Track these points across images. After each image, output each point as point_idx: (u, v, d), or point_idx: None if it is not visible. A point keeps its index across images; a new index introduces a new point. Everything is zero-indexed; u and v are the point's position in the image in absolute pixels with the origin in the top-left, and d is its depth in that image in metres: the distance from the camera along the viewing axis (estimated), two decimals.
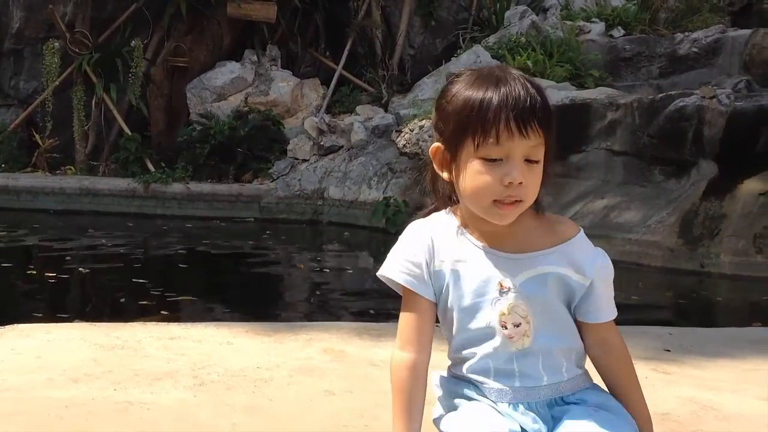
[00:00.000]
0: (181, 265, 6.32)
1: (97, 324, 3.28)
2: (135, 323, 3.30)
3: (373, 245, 7.82)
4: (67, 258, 6.35)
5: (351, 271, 6.43)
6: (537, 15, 10.33)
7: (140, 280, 5.49)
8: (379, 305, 5.19)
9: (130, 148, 8.96)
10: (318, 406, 2.46)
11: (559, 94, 7.95)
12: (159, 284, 5.38)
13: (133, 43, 9.22)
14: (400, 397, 1.50)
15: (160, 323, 3.35)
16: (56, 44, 9.11)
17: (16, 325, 3.27)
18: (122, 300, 5.03)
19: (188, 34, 9.91)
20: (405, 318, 1.54)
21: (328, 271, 6.34)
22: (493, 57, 9.20)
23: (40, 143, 9.05)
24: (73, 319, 4.13)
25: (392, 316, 4.77)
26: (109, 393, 2.51)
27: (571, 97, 7.80)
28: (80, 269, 5.90)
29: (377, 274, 1.54)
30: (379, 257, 7.22)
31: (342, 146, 9.19)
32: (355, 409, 2.43)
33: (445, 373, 1.61)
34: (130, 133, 9.10)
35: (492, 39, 9.83)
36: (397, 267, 1.53)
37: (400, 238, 1.58)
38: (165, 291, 5.08)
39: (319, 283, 5.90)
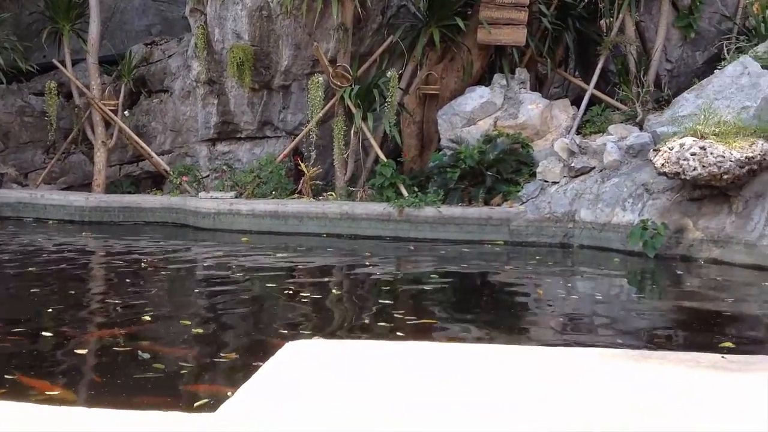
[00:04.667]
0: (425, 288, 6.45)
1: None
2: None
3: (628, 270, 7.47)
4: (325, 279, 6.73)
5: (600, 297, 6.17)
6: None
7: (386, 302, 5.67)
8: (625, 334, 4.92)
9: (385, 173, 9.35)
10: None
11: None
12: (402, 306, 5.50)
13: (389, 73, 9.66)
14: None
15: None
16: (320, 79, 9.79)
17: (293, 342, 3.48)
18: (366, 321, 5.16)
19: (440, 62, 10.21)
20: None
21: (575, 297, 6.13)
22: (763, 67, 8.47)
23: (305, 171, 9.74)
24: (313, 336, 4.35)
25: (656, 347, 4.51)
26: None
27: None
28: (333, 290, 6.21)
29: None
30: (634, 282, 6.89)
31: (594, 167, 8.92)
32: None
33: None
34: (385, 160, 9.51)
35: (761, 48, 9.06)
36: None
37: None
38: (406, 314, 5.19)
39: (567, 309, 5.73)
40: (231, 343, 4.45)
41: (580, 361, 3.10)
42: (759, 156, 7.32)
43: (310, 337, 4.25)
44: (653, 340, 4.86)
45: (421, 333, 4.51)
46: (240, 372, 3.63)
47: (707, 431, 2.38)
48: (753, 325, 5.43)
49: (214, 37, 10.42)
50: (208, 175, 10.61)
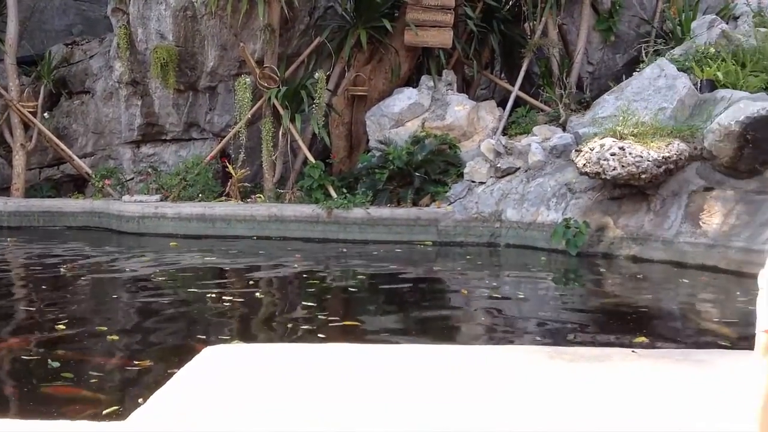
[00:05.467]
0: (351, 289, 6.44)
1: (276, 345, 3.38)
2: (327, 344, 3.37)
3: (551, 268, 7.62)
4: (250, 282, 6.65)
5: (522, 296, 6.27)
6: (727, 23, 9.72)
7: (311, 304, 5.63)
8: (545, 331, 5.00)
9: (313, 175, 9.32)
10: None
11: (754, 105, 7.42)
12: (327, 308, 5.46)
13: (316, 75, 9.63)
14: None
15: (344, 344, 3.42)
16: (247, 80, 9.69)
17: (210, 347, 3.43)
18: (288, 324, 5.10)
19: (368, 63, 10.23)
20: None
21: (498, 296, 6.21)
22: (679, 69, 8.75)
23: (233, 173, 9.63)
24: (233, 341, 4.28)
25: (567, 343, 4.59)
26: None
27: (767, 108, 7.25)
28: (257, 294, 6.13)
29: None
30: (557, 280, 7.02)
31: (519, 168, 9.08)
32: None
33: None
34: (313, 161, 9.48)
35: (677, 51, 9.36)
36: None
37: None
38: (330, 315, 5.15)
39: (490, 307, 5.80)
40: (147, 349, 4.36)
41: (490, 358, 3.14)
42: (675, 156, 7.55)
43: (230, 341, 4.20)
44: (573, 337, 4.96)
45: (344, 335, 4.49)
46: (154, 379, 3.56)
47: (614, 428, 2.45)
48: (668, 319, 5.60)
49: (137, 37, 10.21)
50: (132, 178, 10.40)
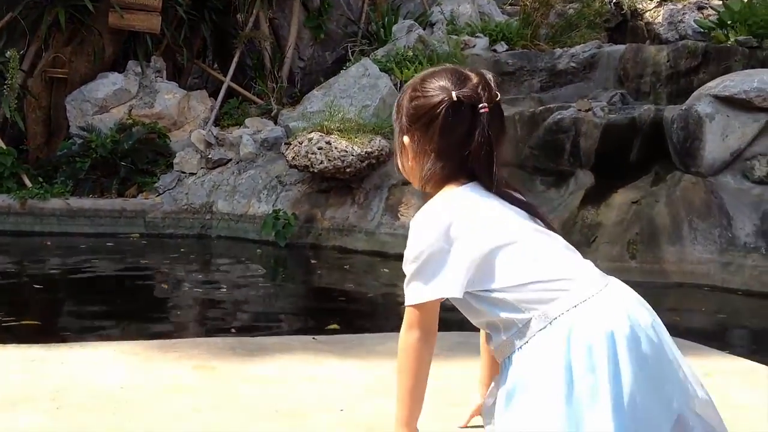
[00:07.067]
0: (39, 286, 5.94)
1: None
2: None
3: (260, 259, 7.71)
4: None
5: (226, 288, 6.26)
6: (424, 29, 10.49)
7: None
8: (245, 321, 5.06)
9: (5, 162, 8.53)
10: (183, 424, 2.39)
11: None
12: (3, 308, 5.01)
13: (8, 53, 8.80)
14: None
15: (20, 345, 3.17)
16: None
17: None
18: None
19: (68, 44, 9.55)
20: None
21: (202, 289, 6.14)
22: (381, 70, 9.28)
23: None
24: None
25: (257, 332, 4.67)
26: None
27: None
28: None
29: None
30: (263, 272, 7.09)
31: (231, 159, 9.06)
32: (221, 424, 2.39)
33: None
34: (5, 148, 8.68)
35: (380, 52, 9.91)
36: None
37: None
38: (6, 315, 4.73)
39: (192, 301, 5.73)
40: None
41: (171, 352, 3.12)
42: (377, 151, 8.01)
43: None
44: (275, 326, 5.06)
45: (17, 336, 4.14)
46: None
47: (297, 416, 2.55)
48: (364, 306, 5.92)
49: None
50: None
